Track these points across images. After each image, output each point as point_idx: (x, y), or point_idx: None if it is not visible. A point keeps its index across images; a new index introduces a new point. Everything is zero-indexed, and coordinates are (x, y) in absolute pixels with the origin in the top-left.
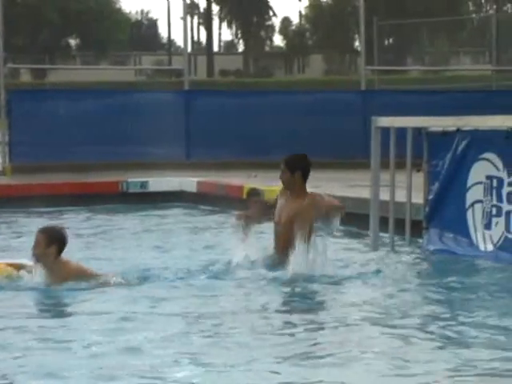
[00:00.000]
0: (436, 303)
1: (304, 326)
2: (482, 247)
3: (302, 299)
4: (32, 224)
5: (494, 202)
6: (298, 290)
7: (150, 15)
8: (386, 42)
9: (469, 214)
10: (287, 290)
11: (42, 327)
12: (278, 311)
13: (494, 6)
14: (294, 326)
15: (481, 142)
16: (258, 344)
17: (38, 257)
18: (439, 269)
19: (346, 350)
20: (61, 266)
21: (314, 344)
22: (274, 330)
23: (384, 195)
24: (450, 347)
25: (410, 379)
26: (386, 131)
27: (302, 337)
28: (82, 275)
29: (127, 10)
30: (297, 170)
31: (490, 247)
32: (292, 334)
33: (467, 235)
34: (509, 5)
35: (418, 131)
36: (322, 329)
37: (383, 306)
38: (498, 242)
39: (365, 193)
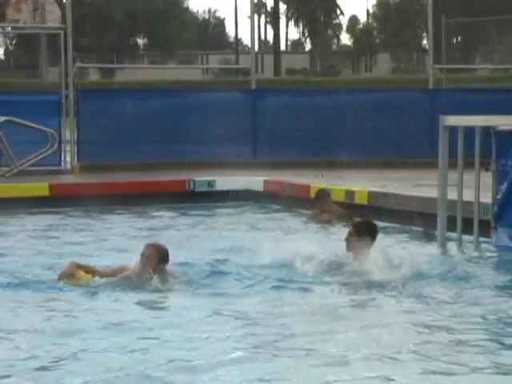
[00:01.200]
0: (506, 302)
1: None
2: None
3: (367, 300)
4: (101, 223)
5: None
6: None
7: (218, 14)
8: (454, 41)
9: None
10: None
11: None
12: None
13: None
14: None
15: None
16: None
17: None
18: (508, 268)
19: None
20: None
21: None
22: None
23: (451, 194)
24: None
25: None
26: (453, 130)
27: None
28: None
29: (194, 10)
30: (366, 235)
31: None
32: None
33: None
34: None
35: (486, 130)
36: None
37: (451, 306)
38: None
39: (432, 192)
